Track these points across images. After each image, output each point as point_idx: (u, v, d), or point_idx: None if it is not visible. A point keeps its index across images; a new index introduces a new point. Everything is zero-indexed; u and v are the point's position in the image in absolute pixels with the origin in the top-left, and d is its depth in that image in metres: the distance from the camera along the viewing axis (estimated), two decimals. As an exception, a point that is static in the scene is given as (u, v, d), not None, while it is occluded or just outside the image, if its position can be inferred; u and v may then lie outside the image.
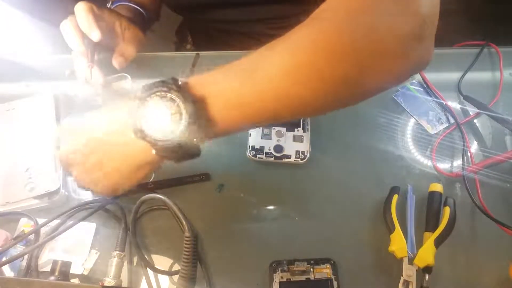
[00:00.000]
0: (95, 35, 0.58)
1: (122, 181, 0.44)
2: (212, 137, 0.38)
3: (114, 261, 0.49)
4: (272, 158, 0.58)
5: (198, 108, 0.36)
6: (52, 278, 0.49)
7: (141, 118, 0.37)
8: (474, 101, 0.63)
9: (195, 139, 0.37)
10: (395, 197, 0.54)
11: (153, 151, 0.39)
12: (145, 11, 0.73)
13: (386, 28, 0.35)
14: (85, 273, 0.51)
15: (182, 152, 0.38)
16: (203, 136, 0.37)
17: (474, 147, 0.61)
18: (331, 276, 0.50)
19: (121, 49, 0.64)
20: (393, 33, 0.35)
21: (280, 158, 0.58)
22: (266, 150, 0.58)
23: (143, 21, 0.73)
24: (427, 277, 0.50)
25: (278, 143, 0.58)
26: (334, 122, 0.63)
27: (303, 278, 0.50)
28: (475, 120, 0.63)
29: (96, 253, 0.53)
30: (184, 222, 0.49)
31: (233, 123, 0.38)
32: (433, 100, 0.64)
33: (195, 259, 0.49)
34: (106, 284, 0.48)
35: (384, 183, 0.57)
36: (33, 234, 0.52)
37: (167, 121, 0.36)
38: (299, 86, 0.36)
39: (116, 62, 0.63)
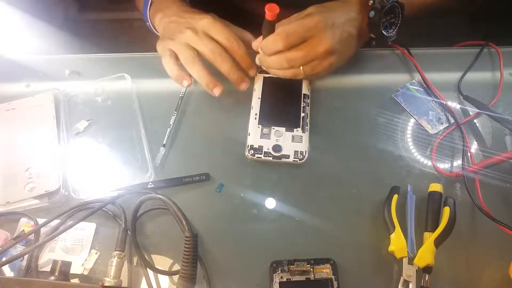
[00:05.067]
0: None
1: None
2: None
3: (114, 261, 0.49)
4: (271, 158, 0.58)
5: None
6: (52, 278, 0.49)
7: None
8: (474, 101, 0.63)
9: None
10: (395, 197, 0.54)
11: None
12: None
13: None
14: (85, 273, 0.51)
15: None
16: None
17: (474, 147, 0.61)
18: (331, 276, 0.50)
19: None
20: None
21: (279, 158, 0.58)
22: (264, 149, 0.58)
23: None
24: (427, 277, 0.50)
25: (277, 143, 0.58)
26: (333, 122, 0.63)
27: (303, 278, 0.50)
28: (475, 120, 0.63)
29: (96, 253, 0.53)
30: (184, 222, 0.49)
31: None
32: (433, 100, 0.64)
33: (195, 259, 0.49)
34: (106, 284, 0.48)
35: (384, 183, 0.57)
36: (33, 234, 0.52)
37: None
38: None
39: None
